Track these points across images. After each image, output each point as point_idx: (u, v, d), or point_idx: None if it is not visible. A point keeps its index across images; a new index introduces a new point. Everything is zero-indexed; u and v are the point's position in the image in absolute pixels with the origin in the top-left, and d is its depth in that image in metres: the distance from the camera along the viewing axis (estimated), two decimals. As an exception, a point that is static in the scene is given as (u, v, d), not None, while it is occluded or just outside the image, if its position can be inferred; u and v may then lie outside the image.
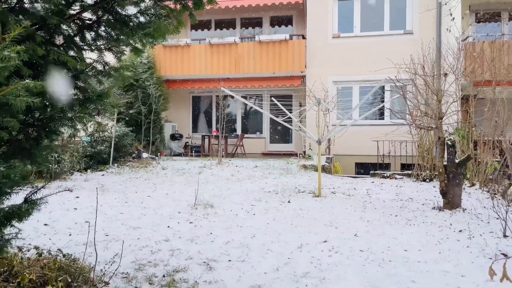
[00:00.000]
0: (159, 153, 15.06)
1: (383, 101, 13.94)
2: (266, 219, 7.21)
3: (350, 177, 12.98)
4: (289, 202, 8.62)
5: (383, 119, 15.28)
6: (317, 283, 4.35)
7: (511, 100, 10.64)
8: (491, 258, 5.38)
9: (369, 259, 5.20)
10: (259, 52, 16.24)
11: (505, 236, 6.43)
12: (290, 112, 11.12)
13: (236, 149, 16.53)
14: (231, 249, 5.39)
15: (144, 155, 14.21)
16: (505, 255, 5.54)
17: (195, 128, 18.78)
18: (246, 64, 16.35)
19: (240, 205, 8.36)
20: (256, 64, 16.29)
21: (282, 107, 10.66)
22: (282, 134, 17.90)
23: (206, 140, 17.29)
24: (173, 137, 17.21)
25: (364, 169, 14.61)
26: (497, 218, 7.11)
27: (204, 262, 4.89)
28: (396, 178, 12.23)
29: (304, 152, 15.40)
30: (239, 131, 18.06)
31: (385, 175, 12.57)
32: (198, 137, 17.71)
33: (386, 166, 13.93)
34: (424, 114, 9.73)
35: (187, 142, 17.82)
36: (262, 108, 13.24)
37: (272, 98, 11.53)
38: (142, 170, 12.84)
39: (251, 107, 18.05)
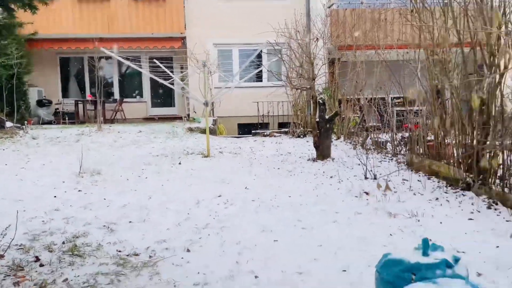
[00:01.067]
0: (25, 122, 13.50)
1: (261, 65, 14.68)
2: (159, 181, 7.30)
3: (234, 137, 13.63)
4: (180, 164, 8.79)
5: (261, 81, 16.13)
6: (217, 231, 4.73)
7: (368, 63, 12.27)
8: (357, 196, 6.46)
9: (260, 207, 5.79)
10: (135, 10, 15.39)
11: (366, 178, 7.70)
12: (172, 75, 11.01)
13: (116, 115, 15.75)
14: (129, 212, 5.42)
15: (8, 124, 12.64)
16: (366, 193, 6.70)
17: (66, 93, 17.17)
18: (121, 23, 15.38)
19: (129, 170, 8.22)
20: (133, 24, 15.44)
21: (165, 69, 10.51)
22: (164, 97, 17.58)
23: (80, 106, 16.03)
24: (41, 103, 15.54)
25: (246, 129, 15.40)
26: (359, 164, 8.44)
27: (104, 225, 4.87)
28: (275, 136, 13.28)
29: (188, 115, 15.48)
30: (117, 96, 17.14)
31: (265, 133, 13.54)
32: (70, 103, 16.28)
33: (266, 126, 14.93)
34: (300, 75, 10.65)
35: (58, 109, 16.27)
36: (141, 71, 12.78)
37: (154, 60, 11.23)
38: (8, 141, 11.46)
39: (128, 70, 17.20)
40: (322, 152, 9.41)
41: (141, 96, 17.44)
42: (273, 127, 14.94)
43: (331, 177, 7.79)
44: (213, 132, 13.55)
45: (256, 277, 3.52)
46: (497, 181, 6.78)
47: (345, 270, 3.65)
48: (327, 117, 9.44)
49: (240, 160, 9.35)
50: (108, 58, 15.70)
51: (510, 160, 6.51)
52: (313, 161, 9.34)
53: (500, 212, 5.59)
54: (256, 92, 14.69)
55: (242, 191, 6.68)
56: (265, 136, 13.33)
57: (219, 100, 13.17)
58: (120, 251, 4.08)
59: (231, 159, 9.55)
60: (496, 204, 5.92)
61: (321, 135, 9.38)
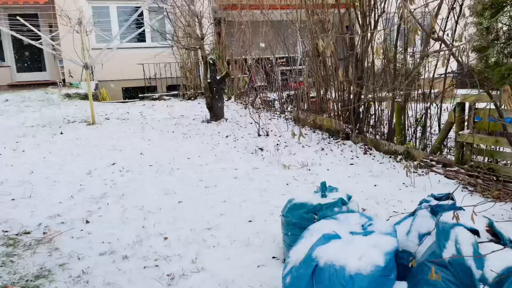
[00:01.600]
0: None
1: (143, 24, 13.82)
2: (40, 153, 6.59)
3: (120, 102, 12.83)
4: (61, 133, 8.01)
5: (145, 41, 15.24)
6: (117, 200, 4.53)
7: (254, 23, 12.45)
8: (253, 153, 6.74)
9: (160, 171, 5.67)
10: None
11: (259, 135, 8.04)
12: (39, 36, 9.68)
13: (-29, 82, 13.47)
14: (10, 189, 4.83)
15: None
16: (261, 149, 7.03)
17: None
18: (-33, -29, 12.85)
19: (0, 144, 7.23)
20: (-17, -27, 13.03)
21: (31, 27, 9.22)
22: (32, 61, 15.50)
23: None
24: None
25: (132, 93, 14.59)
26: (251, 123, 8.74)
27: (-19, 207, 4.27)
28: (165, 99, 12.86)
29: (64, 80, 13.99)
30: (-30, 60, 14.57)
31: (154, 97, 13.01)
32: None
33: (154, 89, 14.33)
34: (188, 35, 10.35)
35: None
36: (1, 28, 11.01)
37: (18, 18, 9.74)
38: None
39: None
40: (216, 113, 9.47)
41: (3, 60, 15.12)
42: (162, 90, 14.42)
43: (226, 136, 7.94)
44: (95, 97, 12.54)
45: (165, 238, 3.50)
46: (371, 129, 7.71)
47: (251, 221, 3.86)
48: (218, 77, 9.46)
49: (131, 126, 8.91)
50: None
51: (380, 110, 7.41)
52: (208, 122, 9.36)
53: (374, 156, 6.40)
54: (141, 53, 13.87)
55: (137, 157, 6.43)
56: (154, 100, 12.83)
57: (101, 62, 12.15)
58: (6, 231, 3.65)
59: (120, 125, 9.04)
60: (371, 149, 6.75)
61: (214, 96, 9.39)
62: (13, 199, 4.52)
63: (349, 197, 3.01)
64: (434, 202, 2.47)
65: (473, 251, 1.80)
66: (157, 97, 12.90)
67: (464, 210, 2.33)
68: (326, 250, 2.11)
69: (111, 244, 3.42)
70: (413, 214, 2.48)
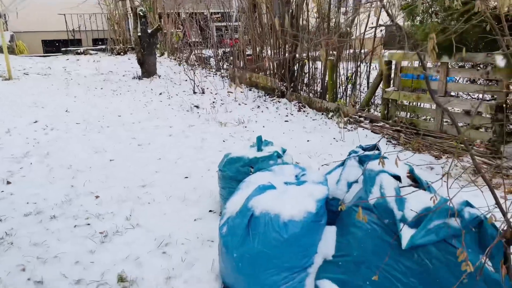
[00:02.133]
0: None
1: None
2: None
3: (40, 56, 11.76)
4: (-28, 89, 7.20)
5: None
6: (42, 159, 4.23)
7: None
8: (188, 111, 6.60)
9: (88, 129, 5.36)
10: None
11: (194, 93, 7.86)
12: None
13: None
14: None
15: None
16: (197, 106, 6.90)
17: None
18: None
19: None
20: None
21: None
22: None
23: None
24: None
25: (54, 47, 13.41)
26: (186, 80, 8.50)
27: None
28: (91, 54, 11.98)
29: (-29, 29, 12.41)
30: None
31: (79, 51, 12.05)
32: None
33: (78, 42, 13.27)
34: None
35: None
36: None
37: None
38: None
39: None
40: (148, 69, 9.04)
41: None
42: (87, 44, 13.39)
43: (160, 94, 7.67)
44: (11, 50, 11.33)
45: (97, 197, 3.37)
46: (305, 88, 7.87)
47: (187, 177, 3.83)
48: (149, 31, 8.96)
49: (54, 82, 8.24)
50: None
51: (314, 68, 7.56)
52: (139, 79, 8.93)
53: (308, 114, 6.59)
54: (62, 2, 12.64)
55: (62, 114, 6.00)
56: (79, 54, 11.88)
57: (15, 10, 10.92)
58: None
59: (41, 80, 8.32)
60: (305, 107, 6.92)
61: (145, 51, 8.92)
62: None
63: (284, 151, 3.08)
64: (362, 153, 2.61)
65: (395, 195, 1.95)
66: (82, 51, 11.97)
67: (388, 159, 2.49)
68: (261, 200, 2.16)
69: (36, 204, 3.22)
70: (342, 164, 2.61)
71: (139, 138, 5.05)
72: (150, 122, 5.84)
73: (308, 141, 5.12)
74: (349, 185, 2.45)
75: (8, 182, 3.64)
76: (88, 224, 2.90)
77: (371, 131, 5.38)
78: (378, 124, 5.49)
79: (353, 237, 2.03)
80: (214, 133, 5.38)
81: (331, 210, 2.39)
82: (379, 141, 2.46)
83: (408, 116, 5.59)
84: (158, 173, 3.93)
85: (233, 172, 2.87)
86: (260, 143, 3.02)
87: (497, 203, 1.86)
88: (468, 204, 1.84)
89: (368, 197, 2.04)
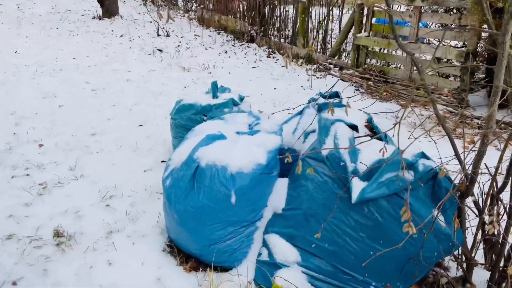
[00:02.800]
0: None
1: None
2: None
3: (-10, -9, 10.70)
4: None
5: None
6: (-17, 104, 3.89)
7: None
8: (150, 54, 6.20)
9: (38, 72, 4.96)
10: None
11: (158, 35, 7.38)
12: None
13: None
14: None
15: None
16: (160, 50, 6.49)
17: None
18: None
19: None
20: None
21: None
22: None
23: None
24: None
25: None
26: (151, 22, 7.95)
27: None
28: (48, -10, 11.01)
29: None
30: None
31: (35, -13, 11.05)
32: None
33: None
34: None
35: None
36: None
37: None
38: None
39: None
40: (108, 9, 8.39)
41: None
42: (44, -21, 12.27)
43: (121, 35, 7.16)
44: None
45: (40, 145, 3.11)
46: (276, 32, 7.51)
47: (141, 125, 3.60)
48: (109, -35, 8.20)
49: (4, 20, 7.54)
50: None
51: (285, 11, 7.16)
52: (99, 19, 8.30)
53: (277, 60, 6.31)
54: None
55: (11, 56, 5.52)
56: (34, -10, 10.90)
57: None
58: None
59: (-10, 18, 7.60)
60: (275, 53, 6.63)
61: (105, -12, 8.22)
62: None
63: (242, 98, 2.88)
64: (322, 101, 2.44)
65: (348, 145, 1.82)
66: (38, -13, 10.95)
67: (349, 107, 2.34)
68: (209, 150, 1.99)
69: (-28, 153, 2.96)
70: (301, 112, 2.45)
71: (94, 83, 4.70)
72: (108, 65, 5.45)
73: (274, 88, 4.91)
74: (306, 135, 2.31)
75: None
76: (27, 175, 2.68)
77: (340, 79, 5.20)
78: (347, 72, 5.31)
79: (304, 190, 1.91)
80: (176, 79, 5.07)
81: (285, 161, 2.26)
82: (343, 89, 2.29)
83: (379, 63, 5.42)
84: (111, 121, 3.67)
85: (185, 121, 2.67)
86: (215, 89, 2.80)
87: (456, 153, 1.76)
88: (423, 155, 1.73)
89: (321, 147, 1.90)
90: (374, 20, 5.17)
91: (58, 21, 7.91)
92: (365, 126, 2.07)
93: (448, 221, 1.69)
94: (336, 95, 2.53)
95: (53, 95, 4.24)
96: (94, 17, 8.38)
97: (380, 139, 1.94)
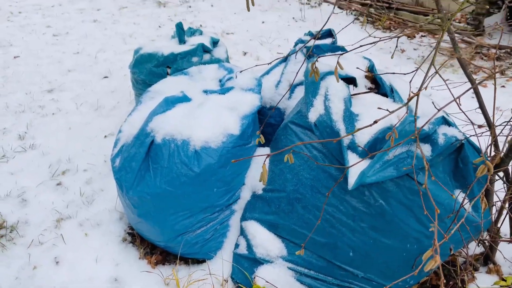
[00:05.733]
0: None
1: None
2: None
3: None
4: None
5: None
6: None
7: None
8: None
9: (-7, 16, 4.34)
10: None
11: (132, -36, 6.52)
12: None
13: None
14: None
15: None
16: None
17: None
18: None
19: None
20: None
21: None
22: None
23: None
24: None
25: None
26: None
27: None
28: None
29: None
30: None
31: None
32: None
33: None
34: None
35: None
36: None
37: None
38: None
39: None
40: None
41: None
42: None
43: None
44: None
45: (-12, 108, 2.67)
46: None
47: (106, 77, 3.11)
48: None
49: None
50: None
51: None
52: None
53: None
54: None
55: (-38, -2, 4.85)
56: None
57: None
58: None
59: None
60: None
61: None
62: None
63: (215, 41, 2.36)
64: (312, 43, 1.95)
65: (344, 109, 1.37)
66: None
67: (346, 50, 1.85)
68: (166, 119, 1.56)
69: None
70: (285, 59, 1.97)
71: (57, 27, 4.12)
72: (74, 4, 4.80)
73: (263, 22, 4.30)
74: (292, 89, 1.85)
75: None
76: (-33, 147, 2.27)
77: (338, 7, 4.57)
78: (345, -2, 4.65)
79: (288, 166, 1.50)
80: (150, 16, 4.45)
81: (269, 124, 1.83)
82: (343, 28, 1.78)
83: (381, -14, 4.73)
84: (72, 72, 3.18)
85: (145, 75, 2.19)
86: (181, 32, 2.27)
87: (481, 107, 1.32)
88: (444, 121, 1.29)
89: (308, 112, 1.46)
90: None
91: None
92: (366, 77, 1.60)
93: (475, 203, 1.30)
94: (330, 34, 2.03)
95: (9, 43, 3.70)
96: None
97: (385, 94, 1.49)
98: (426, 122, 1.06)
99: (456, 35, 3.57)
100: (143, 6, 4.79)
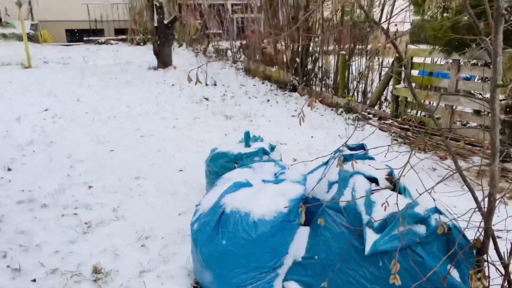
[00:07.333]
0: None
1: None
2: (-35, 97, 6.12)
3: (63, 45, 12.02)
4: (-8, 76, 7.44)
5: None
6: (45, 147, 4.33)
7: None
8: (197, 103, 6.61)
9: (95, 119, 5.45)
10: None
11: (206, 85, 7.86)
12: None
13: None
14: None
15: None
16: (206, 98, 6.91)
17: None
18: None
19: None
20: None
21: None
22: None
23: None
24: None
25: (76, 36, 13.69)
26: (201, 72, 8.50)
27: None
28: (111, 44, 12.18)
29: (0, 19, 12.82)
30: None
31: (100, 41, 12.29)
32: None
33: (100, 32, 13.51)
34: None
35: None
36: None
37: None
38: None
39: None
40: (163, 60, 9.10)
41: None
42: (109, 34, 13.63)
43: (172, 85, 7.70)
44: (34, 39, 11.65)
45: (90, 187, 3.42)
46: (318, 82, 7.74)
47: (181, 170, 3.83)
48: (166, 22, 8.99)
49: (70, 71, 8.41)
50: None
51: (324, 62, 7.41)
52: (154, 69, 9.01)
53: (317, 109, 6.47)
54: (84, -8, 12.87)
55: (73, 104, 6.12)
56: (100, 44, 12.11)
57: None
58: None
59: (59, 69, 8.50)
60: (315, 102, 6.81)
61: (161, 42, 8.97)
62: None
63: (272, 147, 3.03)
64: (348, 153, 2.53)
65: (365, 198, 1.88)
66: (103, 41, 12.18)
67: (374, 159, 2.41)
68: (234, 197, 2.13)
69: (31, 192, 3.30)
70: (327, 163, 2.54)
71: (143, 130, 5.09)
72: (157, 114, 5.88)
73: (312, 137, 5.03)
74: (330, 185, 2.39)
75: (9, 169, 3.74)
76: (75, 214, 2.94)
77: (379, 129, 5.24)
78: (386, 122, 5.34)
79: (322, 239, 1.98)
80: (218, 126, 5.36)
81: (310, 210, 2.34)
82: (364, 138, 2.37)
83: (419, 114, 5.41)
84: (154, 165, 3.95)
85: (218, 168, 2.85)
86: (248, 138, 2.98)
87: (478, 207, 1.76)
88: (436, 210, 1.75)
89: (339, 199, 1.98)
90: (417, 72, 5.24)
91: (118, 72, 8.68)
92: (386, 179, 2.12)
93: (463, 277, 1.67)
94: (362, 147, 2.61)
95: (106, 141, 4.64)
96: (150, 68, 9.10)
97: (400, 192, 1.98)
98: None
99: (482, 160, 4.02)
100: (213, 118, 5.76)
